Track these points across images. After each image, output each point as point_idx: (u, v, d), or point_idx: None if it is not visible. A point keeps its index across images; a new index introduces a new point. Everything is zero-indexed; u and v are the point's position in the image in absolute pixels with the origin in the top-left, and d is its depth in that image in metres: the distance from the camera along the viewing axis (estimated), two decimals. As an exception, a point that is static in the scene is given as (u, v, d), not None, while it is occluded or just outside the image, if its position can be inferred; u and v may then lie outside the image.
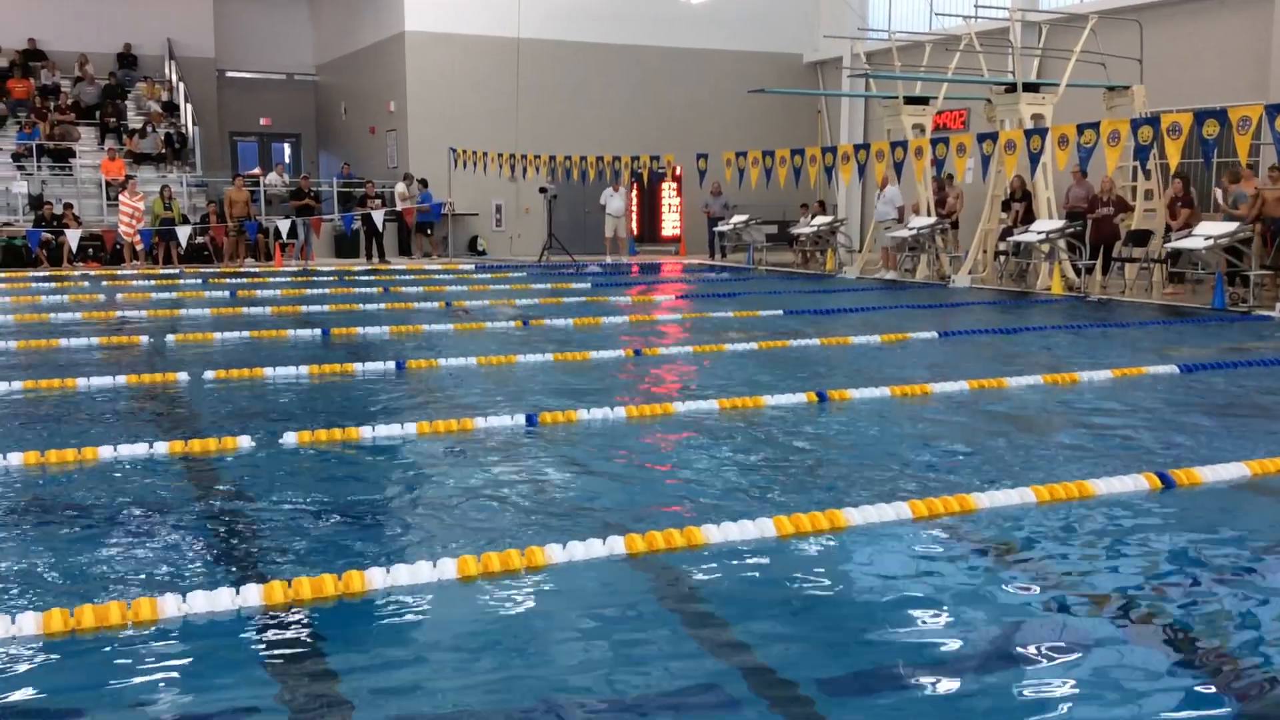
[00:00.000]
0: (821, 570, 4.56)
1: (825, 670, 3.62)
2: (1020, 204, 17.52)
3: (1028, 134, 15.65)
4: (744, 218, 22.37)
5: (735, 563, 4.56)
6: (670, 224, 26.72)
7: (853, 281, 18.68)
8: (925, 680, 3.50)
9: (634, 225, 25.30)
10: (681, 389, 8.75)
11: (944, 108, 20.74)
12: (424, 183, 23.08)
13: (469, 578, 4.28)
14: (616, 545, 4.59)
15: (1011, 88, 17.32)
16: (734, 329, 11.96)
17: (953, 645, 3.78)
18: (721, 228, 22.94)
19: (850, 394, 7.99)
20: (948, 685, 3.48)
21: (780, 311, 13.40)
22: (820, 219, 21.31)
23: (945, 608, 4.12)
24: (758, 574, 4.49)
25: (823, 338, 11.02)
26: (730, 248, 23.39)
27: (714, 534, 4.77)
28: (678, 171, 25.04)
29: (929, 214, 18.80)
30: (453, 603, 4.16)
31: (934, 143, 17.33)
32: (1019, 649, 3.76)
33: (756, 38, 25.79)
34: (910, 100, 19.36)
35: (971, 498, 5.27)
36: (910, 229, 18.48)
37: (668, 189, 26.35)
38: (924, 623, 3.97)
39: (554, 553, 4.47)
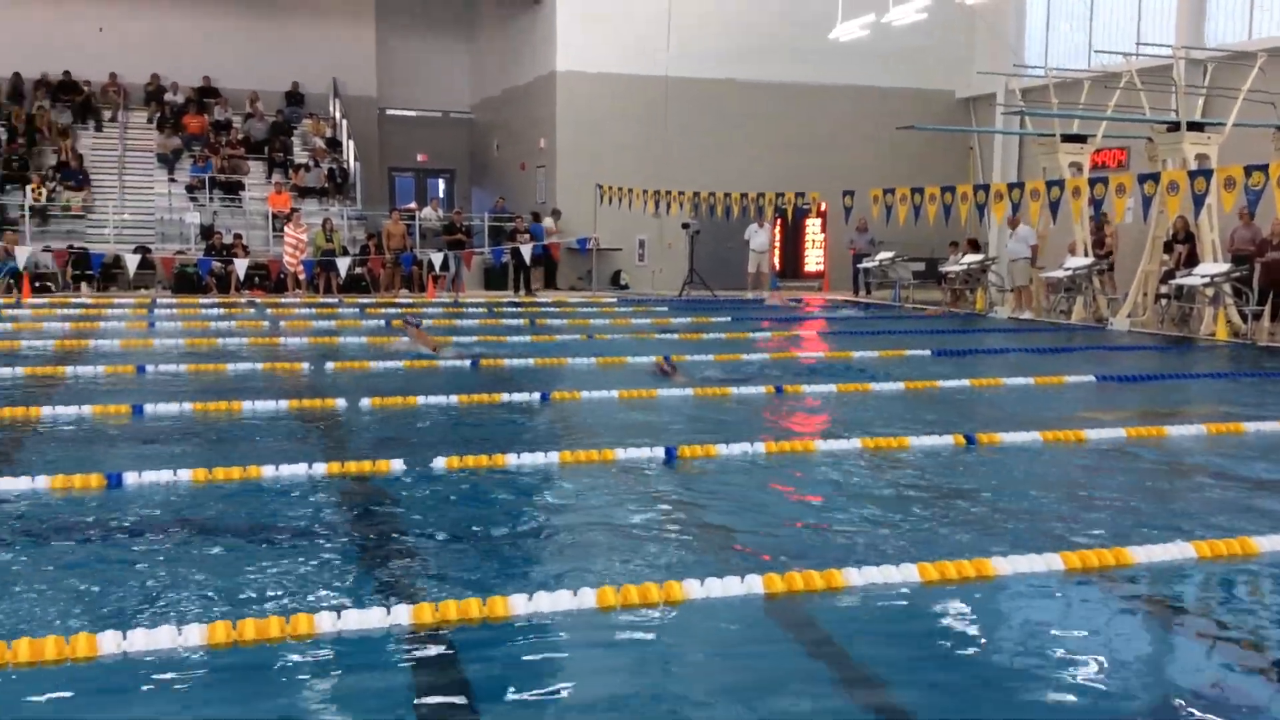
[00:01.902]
0: (965, 619, 4.45)
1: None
2: (1183, 246, 16.83)
3: (1191, 175, 15.04)
4: (890, 254, 22.08)
5: (876, 607, 4.49)
6: (814, 260, 26.56)
7: (1004, 321, 18.22)
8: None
9: (777, 261, 25.24)
10: (823, 427, 8.68)
11: (1102, 145, 20.12)
12: (538, 216, 23.57)
13: (608, 608, 4.33)
14: (755, 584, 4.58)
15: (1174, 126, 16.70)
16: (877, 368, 11.80)
17: (1100, 703, 3.64)
18: (866, 264, 22.69)
19: (1000, 438, 7.79)
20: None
21: (928, 351, 13.16)
22: (971, 257, 20.88)
23: (1094, 664, 3.97)
24: (899, 620, 4.41)
25: (972, 379, 10.77)
26: (875, 285, 23.09)
27: (855, 577, 4.70)
28: (822, 208, 24.90)
29: (1086, 254, 18.23)
30: (591, 632, 4.21)
31: (1092, 182, 16.82)
32: (1172, 711, 3.59)
33: (907, 74, 25.53)
34: (1068, 138, 18.85)
35: (1127, 551, 5.07)
36: (1066, 269, 17.94)
37: (812, 225, 26.22)
38: (1072, 678, 3.84)
39: (692, 588, 4.48)
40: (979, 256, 20.99)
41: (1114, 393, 10.51)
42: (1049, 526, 5.67)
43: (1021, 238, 19.08)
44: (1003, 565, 4.84)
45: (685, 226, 22.78)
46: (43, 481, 6.07)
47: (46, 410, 8.29)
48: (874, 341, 14.26)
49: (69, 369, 10.42)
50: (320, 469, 6.51)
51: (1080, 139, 18.94)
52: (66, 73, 25.38)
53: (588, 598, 4.35)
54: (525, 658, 3.98)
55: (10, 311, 16.07)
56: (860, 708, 3.63)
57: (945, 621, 4.40)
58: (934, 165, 24.72)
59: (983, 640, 4.28)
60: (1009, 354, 13.47)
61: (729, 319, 17.16)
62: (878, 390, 10.17)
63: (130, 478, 6.17)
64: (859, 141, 25.18)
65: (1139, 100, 17.85)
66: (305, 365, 11.04)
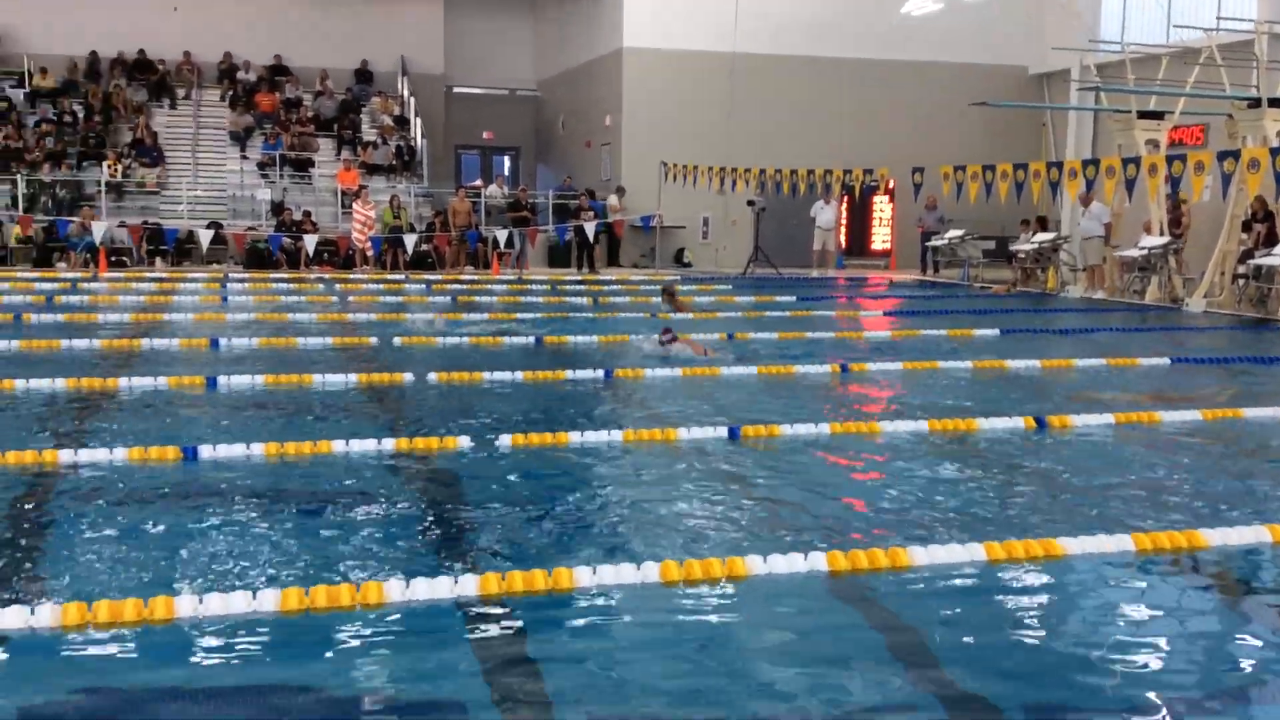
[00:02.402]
0: (1033, 600, 4.41)
1: (1030, 703, 3.50)
2: (1262, 225, 16.36)
3: (1273, 152, 14.60)
4: (959, 233, 21.76)
5: (942, 586, 4.46)
6: (881, 238, 26.28)
7: (1075, 301, 17.89)
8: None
9: (843, 239, 25.01)
10: (889, 407, 8.60)
11: (1180, 122, 19.62)
12: (593, 194, 23.59)
13: (671, 582, 4.35)
14: (818, 561, 4.57)
15: (1255, 103, 16.21)
16: (946, 347, 11.66)
17: (1169, 686, 3.58)
18: (935, 242, 22.39)
19: (1071, 420, 7.67)
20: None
21: (996, 331, 12.98)
22: (1042, 236, 20.51)
23: (1164, 646, 3.91)
24: (965, 599, 4.38)
25: (1043, 360, 10.60)
26: (944, 263, 22.80)
27: (920, 556, 4.67)
28: (890, 185, 24.61)
29: (1161, 233, 17.81)
30: (654, 605, 4.24)
31: (1169, 160, 16.41)
32: (1240, 695, 3.53)
33: (979, 50, 25.07)
34: (1144, 115, 18.40)
35: (1201, 533, 4.97)
36: (1141, 248, 17.55)
37: (880, 202, 25.92)
38: (1141, 661, 3.78)
39: (755, 564, 4.49)
40: (1050, 235, 20.62)
41: (1189, 375, 10.28)
42: (1120, 508, 5.58)
43: (1095, 216, 18.69)
44: (1072, 546, 4.77)
45: (750, 203, 22.65)
46: (121, 453, 6.23)
47: (123, 382, 8.50)
48: (941, 321, 14.09)
49: (144, 342, 10.66)
50: (389, 445, 6.61)
51: (1157, 115, 18.48)
52: (142, 51, 25.86)
53: (651, 572, 4.38)
54: (589, 630, 4.02)
55: (87, 285, 16.48)
56: (923, 687, 3.61)
57: (1012, 602, 4.36)
58: (1006, 142, 24.29)
59: (1050, 621, 4.23)
60: (1081, 334, 13.22)
61: (793, 297, 17.06)
62: (945, 370, 10.05)
63: (205, 451, 6.31)
64: (929, 118, 24.81)
65: (1219, 76, 17.35)
66: (373, 340, 11.18)
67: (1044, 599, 4.43)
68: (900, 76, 24.91)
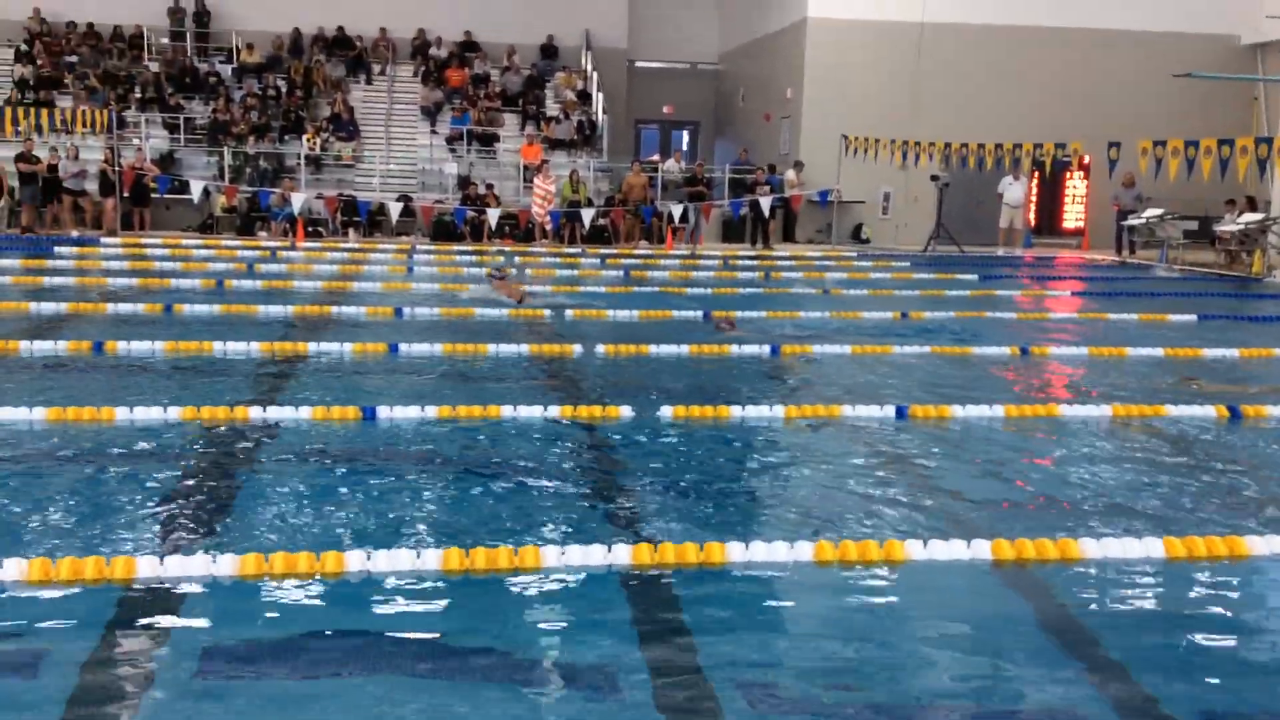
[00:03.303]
0: (1213, 599, 4.16)
1: (1205, 707, 3.31)
2: None
3: None
4: (1158, 212, 20.59)
5: (1114, 581, 4.26)
6: (1073, 216, 25.12)
7: (1284, 287, 16.72)
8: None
9: (1032, 216, 24.02)
10: (1071, 391, 8.25)
11: None
12: (774, 168, 23.24)
13: (825, 562, 4.30)
14: (981, 549, 4.42)
15: None
16: (1136, 331, 11.08)
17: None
18: (1132, 221, 21.26)
19: (1269, 411, 7.18)
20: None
21: (1194, 316, 12.26)
22: (1249, 216, 19.22)
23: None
24: (1139, 596, 4.17)
25: (1241, 348, 9.96)
26: (1141, 244, 21.64)
27: (1092, 549, 4.47)
28: (1085, 160, 23.46)
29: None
30: (806, 585, 4.20)
31: (1398, 132, 15.08)
32: None
33: (1185, 17, 23.57)
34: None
35: None
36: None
37: (1073, 178, 24.77)
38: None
39: (913, 549, 4.38)
40: (1258, 216, 19.29)
41: None
42: (1318, 509, 5.20)
43: (1312, 195, 17.38)
44: (1258, 545, 4.48)
45: (934, 179, 21.98)
46: (305, 412, 6.56)
47: (312, 346, 8.93)
48: (1134, 304, 13.40)
49: (334, 309, 11.17)
50: (554, 411, 6.74)
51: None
52: (340, 28, 26.99)
53: (805, 551, 4.33)
54: (739, 606, 4.01)
55: (285, 253, 17.39)
56: (1092, 690, 3.45)
57: (1189, 601, 4.12)
58: (1212, 117, 22.80)
59: (1231, 620, 3.98)
60: (1287, 322, 12.36)
61: (975, 276, 16.51)
62: (1133, 356, 9.56)
63: (383, 412, 6.58)
64: (1128, 90, 23.52)
65: None
66: (547, 313, 11.41)
67: (1226, 598, 4.17)
68: (1097, 45, 23.68)
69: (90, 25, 25.65)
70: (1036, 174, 23.53)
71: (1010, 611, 4.14)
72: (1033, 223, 23.99)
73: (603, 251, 19.26)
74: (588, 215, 20.77)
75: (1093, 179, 24.03)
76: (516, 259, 16.90)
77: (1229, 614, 4.08)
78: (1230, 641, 3.82)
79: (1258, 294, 15.76)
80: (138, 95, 23.86)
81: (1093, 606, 4.09)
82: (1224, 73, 22.60)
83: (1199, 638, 3.83)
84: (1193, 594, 4.19)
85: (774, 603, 4.09)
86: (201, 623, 3.76)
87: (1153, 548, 4.47)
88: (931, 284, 15.46)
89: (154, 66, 24.93)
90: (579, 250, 19.51)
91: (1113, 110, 22.91)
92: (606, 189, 23.34)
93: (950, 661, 3.63)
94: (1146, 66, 23.25)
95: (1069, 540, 4.50)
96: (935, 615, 4.03)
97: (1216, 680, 3.52)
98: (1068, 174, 24.51)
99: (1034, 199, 24.08)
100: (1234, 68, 23.52)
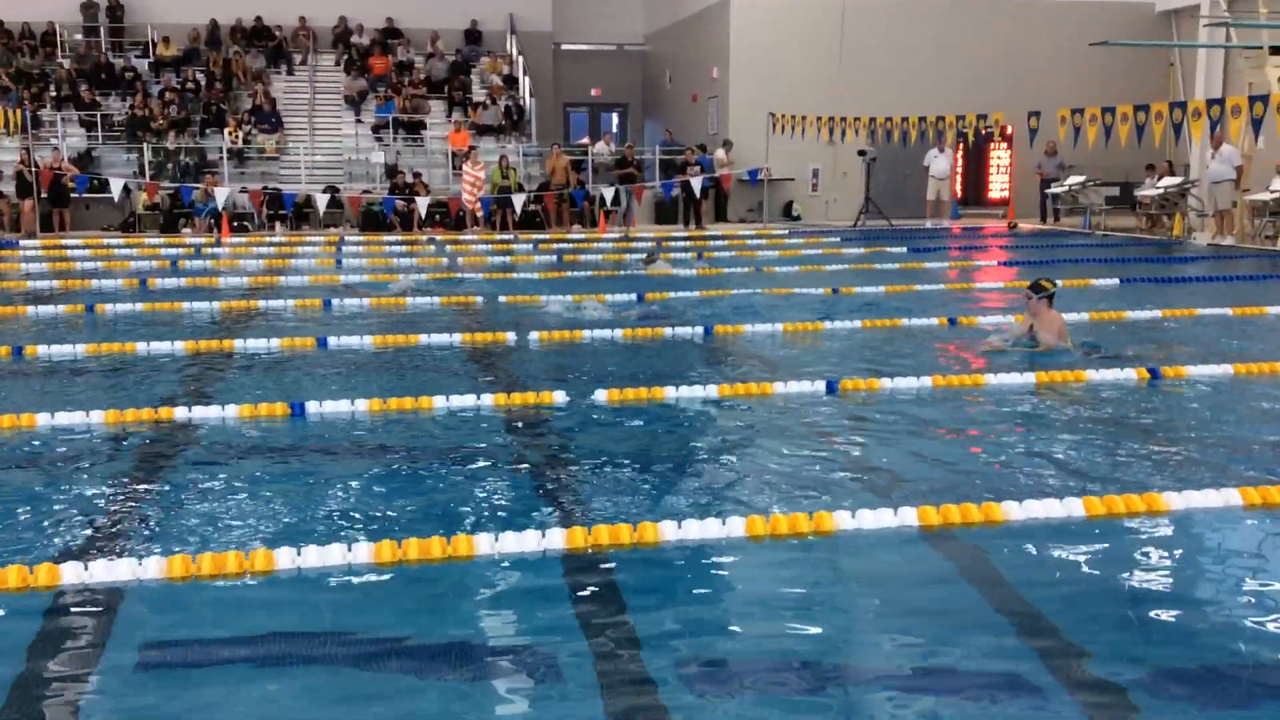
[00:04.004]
0: (1133, 556, 4.27)
1: (1135, 658, 3.40)
2: None
3: None
4: (1080, 179, 21.00)
5: (1038, 543, 4.35)
6: (998, 186, 25.52)
7: (1203, 249, 17.14)
8: (1257, 681, 3.22)
9: (958, 188, 24.36)
10: (998, 359, 8.39)
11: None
12: (705, 148, 23.35)
13: (757, 537, 4.34)
14: (909, 516, 4.50)
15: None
16: (1061, 298, 11.28)
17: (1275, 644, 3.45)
18: (1055, 190, 21.65)
19: (1187, 370, 7.38)
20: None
21: (1116, 280, 12.53)
22: (1168, 180, 19.66)
23: (1270, 602, 3.76)
24: (1062, 556, 4.27)
25: (1163, 309, 10.21)
26: (1065, 211, 22.05)
27: (1015, 511, 4.57)
28: (1008, 131, 23.83)
29: (1295, 175, 16.89)
30: (739, 561, 4.24)
31: (1305, 95, 15.50)
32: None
33: (1102, -13, 24.05)
34: (1277, 50, 17.42)
35: (1317, 489, 4.75)
36: (1274, 192, 16.70)
37: (997, 149, 25.14)
38: (1244, 617, 3.64)
39: (843, 520, 4.45)
40: (1176, 180, 19.75)
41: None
42: (1232, 462, 5.36)
43: (1225, 158, 17.83)
44: (1175, 500, 4.61)
45: (861, 154, 22.21)
46: (232, 410, 6.47)
47: (239, 343, 8.81)
48: (1058, 271, 13.66)
49: (261, 303, 11.01)
50: (488, 400, 6.72)
51: (1293, 50, 17.49)
52: (259, 18, 26.50)
53: (737, 526, 4.38)
54: (675, 583, 4.04)
55: (211, 250, 17.09)
56: (1017, 642, 3.54)
57: (1109, 558, 4.23)
58: (1131, 84, 23.26)
59: (1152, 576, 4.10)
60: (1206, 283, 12.68)
61: (904, 249, 16.72)
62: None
63: (312, 407, 6.51)
64: (1047, 60, 23.91)
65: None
66: (479, 300, 11.35)
67: (1144, 555, 4.29)
68: (1016, 17, 24.04)
69: (0, 23, 24.98)
70: (961, 146, 23.85)
71: (938, 576, 4.22)
72: (959, 194, 24.32)
73: (535, 237, 19.19)
74: (519, 201, 20.67)
75: (1016, 149, 24.42)
76: (660, 244, 16.60)
77: (1147, 568, 4.20)
78: (1157, 594, 3.94)
79: (1178, 257, 16.14)
80: (52, 93, 23.27)
81: (1018, 567, 4.18)
82: (1140, 39, 23.04)
83: (1118, 592, 3.94)
84: (1113, 550, 4.30)
85: (709, 579, 4.13)
86: (130, 628, 3.70)
87: (1073, 507, 4.59)
88: (862, 258, 15.62)
89: (68, 63, 24.31)
90: (511, 236, 19.42)
91: (1034, 81, 23.29)
92: (537, 174, 23.24)
93: (877, 628, 3.70)
94: (1063, 36, 23.67)
95: (992, 504, 4.59)
96: (863, 583, 4.11)
97: (1145, 634, 3.63)
98: (992, 145, 24.88)
99: (960, 171, 24.41)
100: (1150, 35, 23.99)
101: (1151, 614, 3.76)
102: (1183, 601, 3.91)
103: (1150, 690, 3.20)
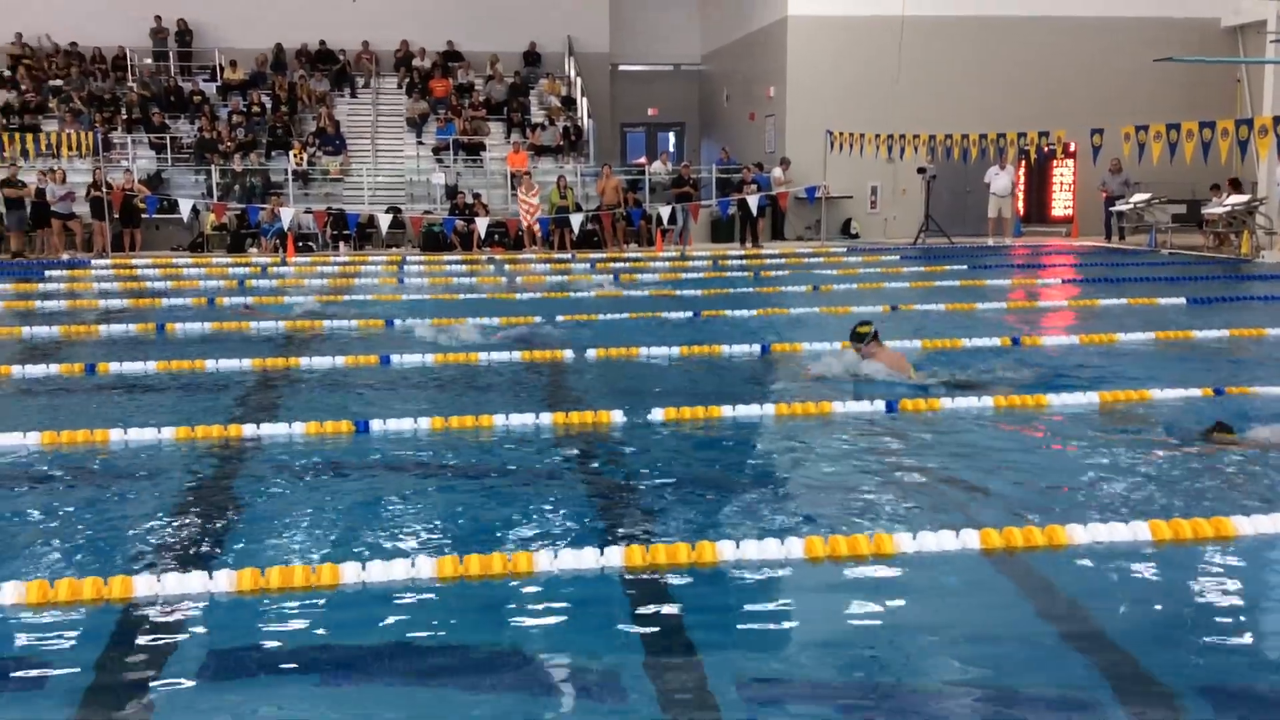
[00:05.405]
0: (1201, 579, 4.20)
1: (1200, 684, 3.35)
2: None
3: None
4: (1146, 197, 20.67)
5: (1103, 565, 4.30)
6: (1062, 203, 25.20)
7: (1272, 267, 16.79)
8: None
9: (1020, 205, 24.10)
10: (1061, 380, 8.29)
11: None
12: (761, 166, 23.33)
13: (816, 558, 4.34)
14: (971, 539, 4.47)
15: None
16: (1126, 317, 11.14)
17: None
18: (1120, 207, 21.34)
19: (1255, 390, 7.24)
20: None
21: (1183, 299, 12.33)
22: (1235, 198, 19.29)
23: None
24: (1128, 578, 4.21)
25: (1231, 329, 10.03)
26: (1129, 229, 21.72)
27: (1080, 534, 4.52)
28: (1071, 148, 23.56)
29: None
30: (798, 582, 4.24)
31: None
32: None
33: (1164, 2, 23.68)
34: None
35: (1393, 514, 4.63)
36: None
37: (1061, 166, 24.84)
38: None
39: (903, 542, 4.42)
40: (1244, 198, 19.38)
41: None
42: (1304, 487, 5.25)
43: (1296, 176, 17.46)
44: (1244, 525, 4.53)
45: (921, 171, 22.07)
46: (299, 427, 6.59)
47: (304, 360, 8.96)
48: (1123, 289, 13.47)
49: (326, 323, 11.19)
50: (546, 419, 6.78)
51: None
52: (323, 43, 27.01)
53: (796, 547, 4.37)
54: (734, 603, 4.05)
55: (276, 269, 17.40)
56: (1089, 669, 3.50)
57: (1176, 581, 4.17)
58: (1197, 100, 22.90)
59: (1220, 599, 4.03)
60: (1275, 302, 12.42)
61: (965, 266, 16.57)
62: (1124, 340, 9.62)
63: (375, 425, 6.61)
64: (1111, 77, 23.61)
65: None
66: (537, 318, 11.44)
67: (1213, 578, 4.21)
68: (1079, 33, 23.78)
69: (74, 45, 25.70)
70: (1023, 163, 23.60)
71: (1001, 596, 4.18)
72: (1021, 211, 24.07)
73: (592, 256, 19.30)
74: (576, 220, 20.81)
75: (1079, 166, 24.12)
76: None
77: (1218, 595, 4.12)
78: (1223, 620, 3.87)
79: (1245, 275, 15.83)
80: (123, 117, 23.88)
81: (1083, 589, 4.13)
82: (1206, 55, 22.69)
83: (1184, 615, 3.88)
84: (1180, 574, 4.24)
85: (768, 599, 4.13)
86: (200, 639, 3.79)
87: (1139, 531, 4.52)
88: (920, 276, 15.51)
89: (138, 87, 24.94)
90: (569, 256, 19.55)
91: (1096, 97, 23.02)
92: (594, 194, 23.38)
93: (940, 649, 3.67)
94: (1127, 53, 23.36)
95: (1056, 527, 4.54)
96: (926, 604, 4.08)
97: (1213, 659, 3.57)
98: (1055, 162, 24.60)
99: (1022, 188, 24.16)
100: (1216, 50, 23.62)
101: (1219, 641, 3.70)
102: (1252, 629, 3.83)
103: (1207, 706, 3.16)
